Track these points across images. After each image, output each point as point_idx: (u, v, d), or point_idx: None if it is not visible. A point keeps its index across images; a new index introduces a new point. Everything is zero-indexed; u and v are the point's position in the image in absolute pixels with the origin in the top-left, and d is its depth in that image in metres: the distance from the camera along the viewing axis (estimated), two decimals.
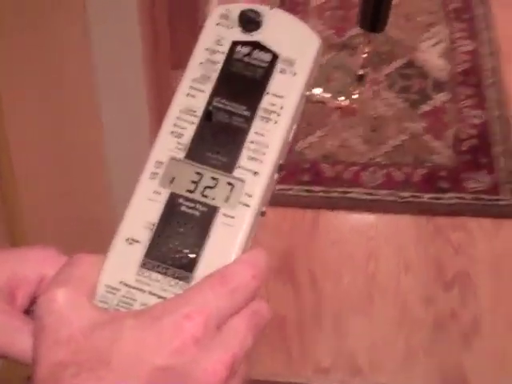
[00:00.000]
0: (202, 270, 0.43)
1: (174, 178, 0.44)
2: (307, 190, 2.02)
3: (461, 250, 1.92)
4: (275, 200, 0.46)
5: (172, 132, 0.45)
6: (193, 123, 0.45)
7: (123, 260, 0.44)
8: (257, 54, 0.46)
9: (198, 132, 0.45)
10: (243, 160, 0.44)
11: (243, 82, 0.46)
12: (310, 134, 2.15)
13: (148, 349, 0.40)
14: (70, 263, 0.44)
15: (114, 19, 1.31)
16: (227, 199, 0.44)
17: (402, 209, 2.01)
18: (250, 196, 0.44)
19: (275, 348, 1.67)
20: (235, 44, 0.46)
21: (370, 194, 2.03)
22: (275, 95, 0.45)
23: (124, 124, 1.43)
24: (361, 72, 0.73)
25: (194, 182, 0.44)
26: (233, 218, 0.44)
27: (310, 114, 2.11)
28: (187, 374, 0.40)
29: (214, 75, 0.46)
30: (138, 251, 0.44)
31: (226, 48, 0.46)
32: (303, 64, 0.46)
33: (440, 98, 2.30)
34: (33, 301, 0.46)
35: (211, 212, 0.44)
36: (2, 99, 1.21)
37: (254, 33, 0.47)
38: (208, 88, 0.46)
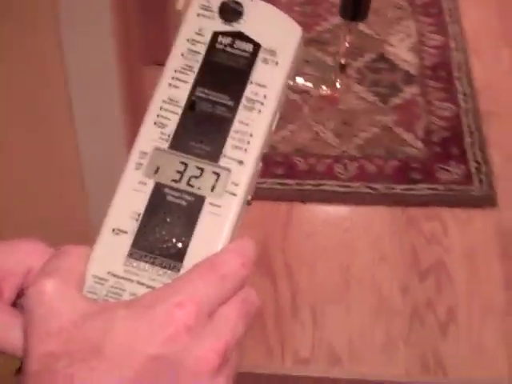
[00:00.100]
0: (189, 259, 0.43)
1: (158, 168, 0.45)
2: (281, 183, 2.02)
3: (435, 239, 1.94)
4: None
5: (155, 122, 0.45)
6: (176, 113, 0.45)
7: (110, 250, 0.44)
8: (239, 44, 0.46)
9: (181, 122, 0.45)
10: (228, 149, 0.45)
11: (226, 72, 0.46)
12: (281, 128, 2.15)
13: (140, 338, 0.40)
14: (58, 255, 0.44)
15: (86, 14, 1.30)
16: (213, 188, 0.44)
17: (376, 200, 2.02)
18: (236, 185, 0.44)
19: (255, 340, 1.67)
20: (216, 34, 0.47)
21: (344, 186, 2.04)
22: (258, 85, 0.46)
23: (97, 120, 1.42)
24: (343, 61, 0.73)
25: (178, 171, 0.44)
26: (219, 207, 0.44)
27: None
28: (180, 363, 0.40)
29: (197, 66, 0.46)
30: (125, 241, 0.44)
31: (207, 38, 0.47)
32: (285, 54, 0.46)
33: (410, 91, 2.32)
34: (19, 294, 0.46)
35: (198, 201, 0.44)
36: None
37: (235, 23, 0.47)
38: (190, 78, 0.46)
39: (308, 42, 2.44)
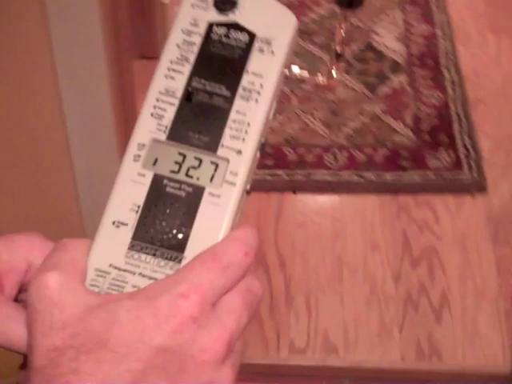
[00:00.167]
0: (191, 250, 0.43)
1: (156, 160, 0.44)
2: (271, 174, 2.03)
3: (426, 226, 1.94)
4: None
5: (152, 114, 0.45)
6: (173, 104, 0.45)
7: (111, 243, 0.44)
8: (234, 34, 0.46)
9: (178, 113, 0.45)
10: (226, 139, 0.44)
11: (222, 62, 0.46)
12: None
13: (146, 329, 0.39)
14: (58, 248, 0.44)
15: (74, 9, 1.29)
16: (212, 178, 0.44)
17: (366, 189, 2.02)
18: (235, 174, 0.44)
19: (250, 331, 1.67)
20: (211, 25, 0.46)
21: (334, 175, 2.04)
22: (255, 74, 0.46)
23: (87, 115, 1.41)
24: (338, 49, 0.73)
25: (177, 162, 0.44)
26: (219, 196, 0.44)
27: None
28: (186, 353, 0.40)
29: (192, 56, 0.46)
30: (126, 234, 0.44)
31: (202, 29, 0.46)
32: (280, 42, 0.46)
33: (398, 80, 2.32)
34: (21, 289, 0.45)
35: (197, 192, 0.44)
36: None
37: (229, 13, 0.47)
38: (187, 69, 0.46)
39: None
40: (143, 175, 0.44)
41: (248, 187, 0.45)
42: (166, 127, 0.45)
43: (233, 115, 0.45)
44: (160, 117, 0.45)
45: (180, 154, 0.44)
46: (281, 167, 2.04)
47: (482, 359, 1.68)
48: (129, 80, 1.51)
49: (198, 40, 0.46)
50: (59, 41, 1.30)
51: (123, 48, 1.44)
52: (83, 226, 1.52)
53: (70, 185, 1.48)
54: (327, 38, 2.40)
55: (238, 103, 0.45)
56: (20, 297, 0.45)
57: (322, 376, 1.68)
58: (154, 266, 0.43)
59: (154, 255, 0.43)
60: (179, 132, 0.45)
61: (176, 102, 0.45)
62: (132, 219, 0.44)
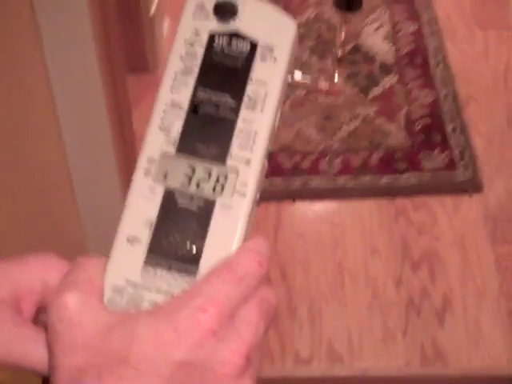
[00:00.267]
0: (205, 263, 0.43)
1: (167, 173, 0.44)
2: (268, 183, 2.03)
3: (424, 228, 1.95)
4: None
5: (160, 127, 0.45)
6: (180, 117, 0.45)
7: (126, 259, 0.44)
8: (236, 43, 0.46)
9: (186, 125, 0.45)
10: (234, 149, 0.44)
11: (225, 71, 0.46)
12: None
13: (166, 345, 0.40)
14: (74, 267, 0.44)
15: (66, 25, 1.29)
16: (223, 190, 0.44)
17: (363, 193, 2.03)
18: (245, 185, 0.44)
19: None
20: (213, 35, 0.46)
21: (330, 181, 2.04)
22: (259, 82, 0.46)
23: (84, 131, 1.41)
24: (340, 53, 0.73)
25: (187, 175, 0.44)
26: (230, 208, 0.44)
27: None
28: (206, 367, 0.40)
29: (196, 67, 0.46)
30: (141, 249, 0.44)
31: (204, 39, 0.46)
32: (282, 49, 0.46)
33: (388, 80, 2.32)
34: (38, 310, 0.46)
35: (208, 204, 0.44)
36: None
37: (230, 22, 0.46)
38: (191, 80, 0.46)
39: None
40: (154, 190, 0.44)
41: (258, 196, 0.45)
42: (175, 140, 0.45)
43: (239, 125, 0.45)
44: (168, 130, 0.45)
45: (190, 166, 0.44)
46: (277, 175, 2.04)
47: (486, 361, 1.69)
48: (123, 93, 1.51)
49: (200, 50, 0.46)
50: (53, 57, 1.31)
51: (116, 61, 1.44)
52: (84, 243, 1.52)
53: (69, 200, 1.48)
54: (317, 41, 2.40)
55: (244, 112, 0.45)
56: (38, 318, 0.46)
57: None
58: (169, 280, 0.43)
59: (170, 269, 0.43)
60: (188, 144, 0.45)
61: (183, 114, 0.45)
62: (146, 234, 0.44)
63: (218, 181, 0.44)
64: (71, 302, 0.41)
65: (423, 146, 2.13)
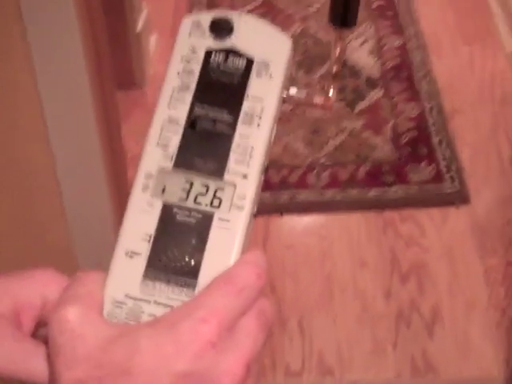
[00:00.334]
0: (204, 275, 0.44)
1: (165, 188, 0.45)
2: None
3: (412, 241, 1.96)
4: None
5: (158, 143, 0.46)
6: (177, 133, 0.46)
7: (126, 273, 0.44)
8: (232, 59, 0.47)
9: (183, 141, 0.46)
10: (231, 164, 0.45)
11: (222, 88, 0.47)
12: None
13: (168, 356, 0.40)
14: (74, 282, 0.44)
15: (56, 40, 1.30)
16: (220, 204, 0.45)
17: (351, 206, 2.03)
18: (242, 198, 0.45)
19: None
20: (209, 52, 0.47)
21: (318, 194, 2.05)
22: (255, 98, 0.46)
23: (74, 144, 1.41)
24: (335, 68, 0.75)
25: (185, 190, 0.45)
26: (228, 221, 0.44)
27: None
28: (207, 378, 0.40)
29: (193, 84, 0.47)
30: (140, 263, 0.44)
31: (200, 56, 0.47)
32: (278, 66, 0.47)
33: (374, 94, 2.34)
34: (38, 324, 0.46)
35: (206, 218, 0.45)
36: None
37: (226, 39, 0.47)
38: (188, 97, 0.46)
39: None
40: (153, 204, 0.45)
41: (255, 210, 0.46)
42: (173, 155, 0.45)
43: (236, 140, 0.45)
44: (165, 145, 0.46)
45: (187, 181, 0.45)
46: (265, 189, 2.04)
47: (476, 372, 1.70)
48: (113, 106, 1.52)
49: (197, 67, 0.47)
50: (43, 73, 1.31)
51: (106, 75, 1.45)
52: (71, 250, 1.52)
53: (58, 212, 1.48)
54: (303, 56, 2.42)
55: (241, 128, 0.46)
56: (38, 332, 0.46)
57: None
58: (169, 294, 0.44)
59: (169, 283, 0.44)
60: (185, 160, 0.45)
61: (180, 130, 0.46)
62: (144, 248, 0.44)
63: (215, 195, 0.45)
64: (72, 315, 0.42)
65: (410, 159, 2.14)
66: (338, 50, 0.73)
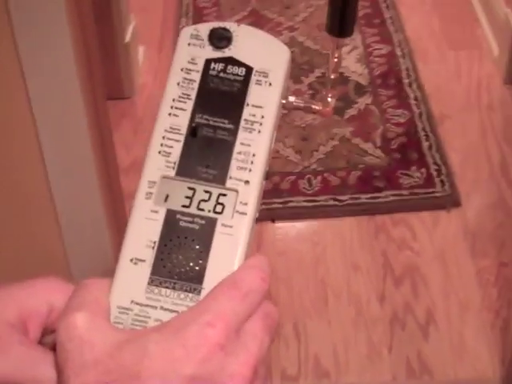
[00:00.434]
0: (209, 281, 0.44)
1: (168, 196, 0.46)
2: None
3: (404, 244, 1.97)
4: None
5: (160, 151, 0.46)
6: (179, 141, 0.47)
7: (131, 280, 0.45)
8: (231, 68, 0.48)
9: (185, 149, 0.46)
10: (233, 171, 0.46)
11: (222, 96, 0.47)
12: None
13: (176, 360, 0.41)
14: (81, 289, 0.45)
15: (48, 48, 1.30)
16: (223, 210, 0.45)
17: (343, 212, 2.04)
18: (245, 204, 0.46)
19: None
20: (209, 61, 0.48)
21: (310, 201, 2.06)
22: (255, 106, 0.47)
23: (66, 154, 1.41)
24: (332, 76, 0.76)
25: (188, 197, 0.46)
26: (231, 227, 0.45)
27: None
28: (216, 380, 0.41)
29: (193, 93, 0.47)
30: (144, 270, 0.45)
31: (200, 66, 0.48)
32: (277, 74, 0.48)
33: (363, 101, 2.35)
34: (44, 332, 0.46)
35: (210, 224, 0.45)
36: None
37: (225, 49, 0.48)
38: (189, 106, 0.47)
39: None
40: (156, 212, 0.45)
41: (257, 215, 0.47)
42: (175, 163, 0.46)
43: (238, 147, 0.46)
44: (167, 154, 0.46)
45: (190, 188, 0.46)
46: None
47: (471, 373, 1.70)
48: (104, 116, 1.52)
49: (197, 77, 0.48)
50: (35, 82, 1.31)
51: (97, 85, 1.45)
52: (69, 266, 1.51)
53: (52, 223, 1.48)
54: (291, 64, 2.43)
55: (242, 135, 0.46)
56: (44, 340, 0.46)
57: None
58: (174, 299, 0.44)
59: (174, 288, 0.44)
60: (187, 167, 0.46)
61: (182, 138, 0.46)
62: (149, 255, 0.45)
63: (218, 201, 0.46)
64: (80, 321, 0.42)
65: (400, 164, 2.15)
66: (335, 59, 0.75)
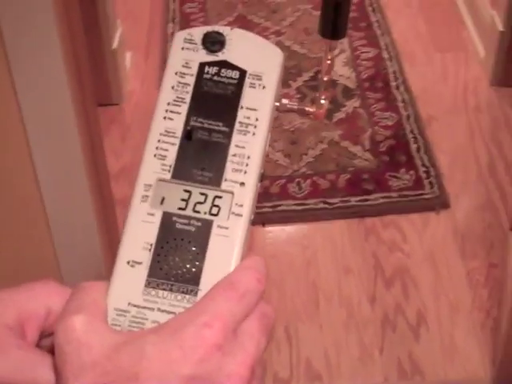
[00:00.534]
0: (205, 282, 0.45)
1: (163, 199, 0.46)
2: None
3: (394, 246, 1.97)
4: None
5: (155, 155, 0.47)
6: (174, 144, 0.47)
7: (128, 282, 0.45)
8: (225, 72, 0.48)
9: (180, 152, 0.47)
10: (228, 173, 0.46)
11: (217, 99, 0.48)
12: None
13: (174, 361, 0.41)
14: (78, 291, 0.45)
15: (39, 62, 1.30)
16: (219, 212, 0.46)
17: (333, 215, 2.05)
18: (240, 206, 0.46)
19: None
20: (203, 65, 0.49)
21: (300, 204, 2.06)
22: (249, 109, 0.48)
23: (57, 160, 1.41)
24: (325, 78, 0.77)
25: (183, 199, 0.46)
26: (227, 228, 0.46)
27: None
28: (214, 380, 0.41)
29: (188, 97, 0.48)
30: (141, 272, 0.45)
31: (194, 70, 0.49)
32: (270, 77, 0.49)
33: (351, 104, 2.36)
34: (41, 335, 0.47)
35: (206, 226, 0.46)
36: None
37: (219, 53, 0.49)
38: (184, 109, 0.48)
39: None
40: (152, 214, 0.46)
41: (252, 217, 0.47)
42: (170, 166, 0.46)
43: (232, 149, 0.47)
44: (163, 157, 0.47)
45: (185, 191, 0.46)
46: None
47: (462, 373, 1.71)
48: (95, 121, 1.52)
49: (191, 81, 0.48)
50: (24, 88, 1.31)
51: (87, 91, 1.45)
52: (59, 271, 1.51)
53: (43, 227, 1.47)
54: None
55: (237, 137, 0.47)
56: (42, 343, 0.47)
57: None
58: (171, 301, 0.44)
59: (171, 290, 0.45)
60: (183, 170, 0.46)
61: (177, 141, 0.47)
62: (146, 257, 0.45)
63: (214, 203, 0.46)
64: (78, 323, 0.42)
65: (389, 167, 2.16)
66: (328, 61, 0.75)
